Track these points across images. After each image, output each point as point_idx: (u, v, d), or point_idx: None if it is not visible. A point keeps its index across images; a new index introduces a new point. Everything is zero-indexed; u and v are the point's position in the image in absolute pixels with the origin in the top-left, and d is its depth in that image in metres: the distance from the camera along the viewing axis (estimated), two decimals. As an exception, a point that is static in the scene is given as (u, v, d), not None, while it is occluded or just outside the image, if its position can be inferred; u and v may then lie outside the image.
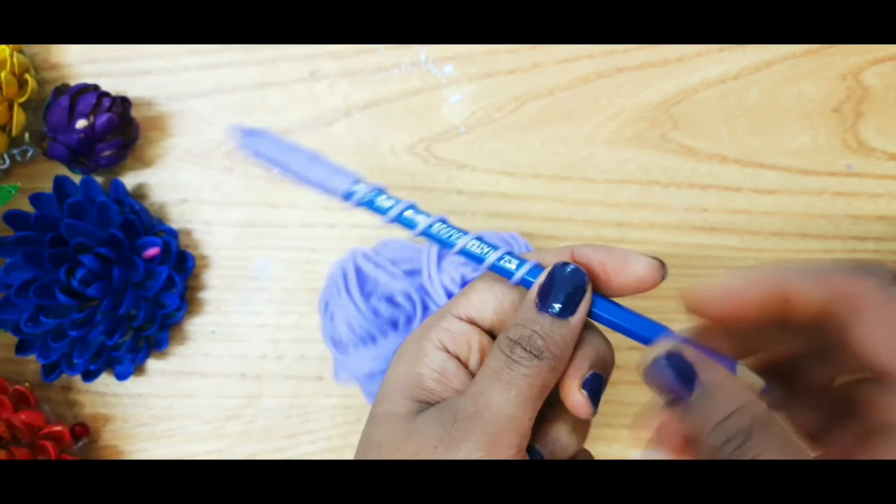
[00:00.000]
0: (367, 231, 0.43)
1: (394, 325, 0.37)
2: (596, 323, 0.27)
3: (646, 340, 0.26)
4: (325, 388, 0.43)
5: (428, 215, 0.27)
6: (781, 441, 0.22)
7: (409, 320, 0.37)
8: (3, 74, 0.39)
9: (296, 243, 0.43)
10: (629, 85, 0.44)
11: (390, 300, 0.37)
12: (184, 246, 0.43)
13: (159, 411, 0.43)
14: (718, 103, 0.44)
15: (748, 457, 0.22)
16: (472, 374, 0.27)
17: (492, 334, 0.27)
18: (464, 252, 0.27)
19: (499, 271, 0.26)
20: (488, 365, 0.25)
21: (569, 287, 0.25)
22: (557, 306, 0.25)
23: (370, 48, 0.44)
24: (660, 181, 0.44)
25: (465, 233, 0.27)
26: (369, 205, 0.27)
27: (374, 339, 0.37)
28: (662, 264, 0.26)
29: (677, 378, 0.23)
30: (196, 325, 0.43)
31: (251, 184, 0.44)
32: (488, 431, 0.24)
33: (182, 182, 0.44)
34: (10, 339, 0.41)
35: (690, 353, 0.24)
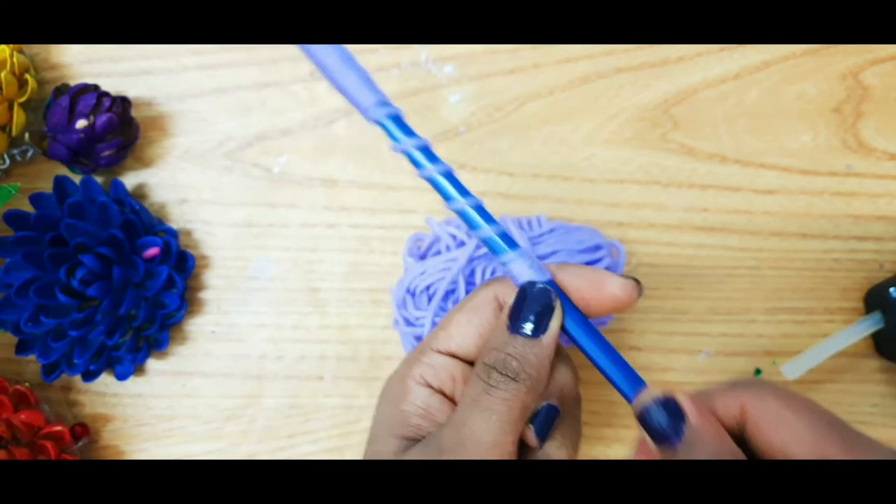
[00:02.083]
0: (367, 231, 0.43)
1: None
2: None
3: (602, 370, 0.26)
4: (325, 388, 0.43)
5: (438, 163, 0.26)
6: None
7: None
8: (3, 74, 0.39)
9: (296, 243, 0.43)
10: (629, 85, 0.44)
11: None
12: (184, 246, 0.43)
13: (159, 411, 0.43)
14: (718, 103, 0.44)
15: None
16: None
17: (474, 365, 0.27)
18: (460, 213, 0.26)
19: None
20: (467, 393, 0.25)
21: (537, 306, 0.25)
22: (529, 326, 0.25)
23: (370, 48, 0.44)
24: (660, 181, 0.44)
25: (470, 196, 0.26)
26: (384, 128, 0.26)
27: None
28: (637, 283, 0.26)
29: (669, 422, 0.24)
30: (196, 325, 0.43)
31: (251, 184, 0.44)
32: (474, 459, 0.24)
33: (182, 182, 0.44)
34: (10, 339, 0.41)
35: (682, 400, 0.25)
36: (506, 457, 0.24)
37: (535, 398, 0.25)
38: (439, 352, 0.27)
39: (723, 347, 0.43)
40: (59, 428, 0.39)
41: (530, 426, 0.25)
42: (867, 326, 0.41)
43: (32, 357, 0.41)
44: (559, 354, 0.27)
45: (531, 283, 0.26)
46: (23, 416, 0.38)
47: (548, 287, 0.25)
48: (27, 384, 0.40)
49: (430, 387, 0.26)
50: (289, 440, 0.43)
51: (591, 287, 0.26)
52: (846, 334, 0.41)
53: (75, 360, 0.40)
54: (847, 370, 0.43)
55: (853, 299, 0.44)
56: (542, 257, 0.39)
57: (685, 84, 0.44)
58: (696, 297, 0.43)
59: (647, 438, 0.25)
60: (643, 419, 0.25)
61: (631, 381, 0.26)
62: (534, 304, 0.25)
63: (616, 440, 0.43)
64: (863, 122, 0.44)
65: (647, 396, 0.25)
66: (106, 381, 0.43)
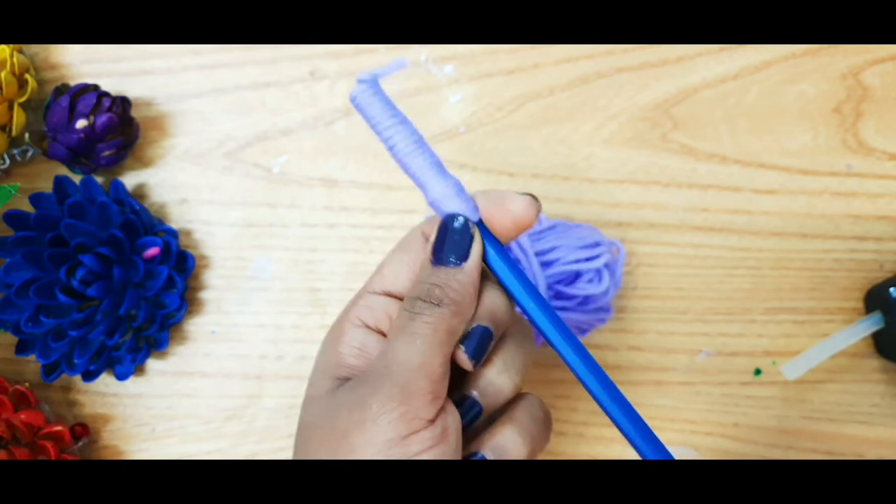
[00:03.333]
0: (367, 231, 0.43)
1: None
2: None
3: (516, 298, 0.26)
4: (325, 388, 0.43)
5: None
6: None
7: None
8: (3, 74, 0.39)
9: (296, 243, 0.43)
10: (629, 85, 0.44)
11: None
12: (184, 246, 0.43)
13: (159, 411, 0.43)
14: (718, 103, 0.44)
15: None
16: None
17: None
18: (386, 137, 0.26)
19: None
20: (394, 325, 0.26)
21: (456, 236, 0.26)
22: (451, 258, 0.26)
23: (370, 48, 0.44)
24: (660, 181, 0.44)
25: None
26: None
27: None
28: (534, 198, 0.26)
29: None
30: (196, 325, 0.43)
31: (251, 184, 0.44)
32: (399, 381, 0.24)
33: (182, 182, 0.44)
34: (10, 339, 0.41)
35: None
36: (434, 378, 0.24)
37: (461, 321, 0.25)
38: (374, 293, 0.27)
39: (723, 347, 0.43)
40: (59, 428, 0.39)
41: (461, 346, 0.25)
42: (867, 326, 0.41)
43: (32, 357, 0.41)
44: (487, 280, 0.27)
45: (451, 216, 0.26)
46: (23, 416, 0.38)
47: (465, 217, 0.26)
48: (27, 384, 0.40)
49: (368, 327, 0.27)
50: (289, 440, 0.43)
51: (494, 207, 0.26)
52: (846, 334, 0.41)
53: (75, 360, 0.40)
54: (847, 370, 0.43)
55: (853, 299, 0.44)
56: (542, 253, 0.39)
57: (685, 84, 0.44)
58: (696, 297, 0.43)
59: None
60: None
61: (541, 305, 0.26)
62: (453, 234, 0.26)
63: (615, 440, 0.43)
64: (863, 122, 0.44)
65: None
66: (106, 381, 0.43)
